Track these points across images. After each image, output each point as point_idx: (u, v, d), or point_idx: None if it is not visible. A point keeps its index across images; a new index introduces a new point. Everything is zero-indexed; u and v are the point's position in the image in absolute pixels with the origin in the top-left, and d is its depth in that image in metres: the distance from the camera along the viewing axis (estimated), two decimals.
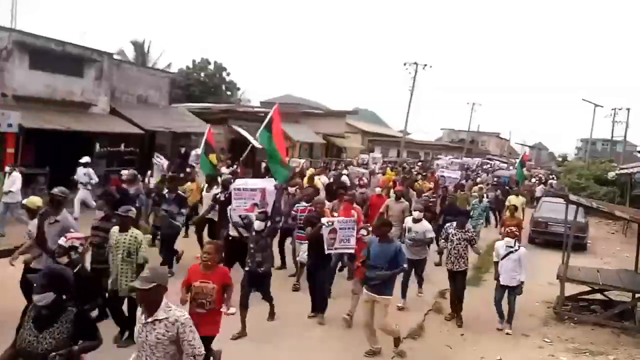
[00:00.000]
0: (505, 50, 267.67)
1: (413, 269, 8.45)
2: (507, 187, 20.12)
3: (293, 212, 9.08)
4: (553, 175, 38.87)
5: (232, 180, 9.56)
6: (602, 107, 41.07)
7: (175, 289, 5.01)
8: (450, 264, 8.04)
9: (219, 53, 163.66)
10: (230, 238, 8.45)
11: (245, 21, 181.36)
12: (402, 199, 10.80)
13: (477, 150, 58.10)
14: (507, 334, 7.72)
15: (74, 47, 16.53)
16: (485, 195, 14.91)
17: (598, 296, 9.44)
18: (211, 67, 41.94)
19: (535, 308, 9.28)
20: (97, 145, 15.92)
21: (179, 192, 9.77)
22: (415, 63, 38.39)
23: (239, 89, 45.52)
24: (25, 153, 13.94)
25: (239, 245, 7.87)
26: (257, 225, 6.95)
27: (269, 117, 9.09)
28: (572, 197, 9.82)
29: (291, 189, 10.74)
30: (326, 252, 7.38)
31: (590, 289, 9.30)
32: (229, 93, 42.93)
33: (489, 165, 38.52)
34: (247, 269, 6.97)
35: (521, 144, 65.87)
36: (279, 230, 9.12)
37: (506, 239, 8.00)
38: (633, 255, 10.38)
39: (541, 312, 9.06)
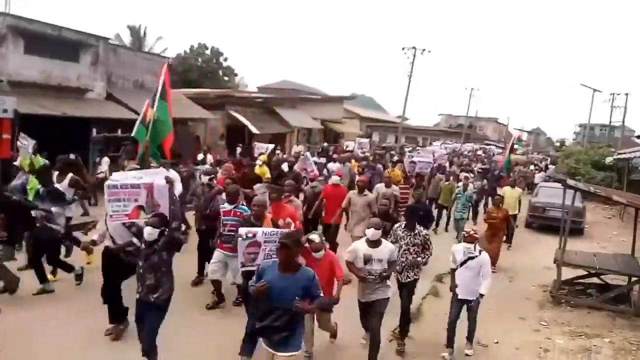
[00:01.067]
0: (504, 38, 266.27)
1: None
2: (498, 174, 19.34)
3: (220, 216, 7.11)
4: (547, 159, 38.68)
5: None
6: (601, 92, 41.10)
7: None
8: (397, 273, 6.45)
9: (216, 38, 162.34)
10: (106, 250, 6.10)
11: (242, 6, 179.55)
12: (366, 191, 9.27)
13: (475, 136, 58.06)
14: (467, 355, 6.48)
15: (70, 31, 16.36)
16: (472, 185, 13.76)
17: (594, 280, 9.52)
18: (208, 52, 41.65)
19: (532, 292, 9.39)
20: (94, 131, 15.84)
21: (55, 185, 7.61)
22: (414, 48, 38.13)
23: (236, 74, 45.40)
24: None
25: (116, 261, 5.87)
26: (148, 233, 4.97)
27: (161, 81, 7.64)
28: (570, 182, 9.85)
29: (205, 178, 8.55)
30: (241, 268, 5.75)
31: (586, 272, 9.38)
32: (226, 78, 42.68)
33: (482, 152, 37.75)
34: (136, 296, 5.13)
35: (519, 129, 65.73)
36: (200, 233, 7.86)
37: (463, 243, 6.51)
38: (629, 239, 10.44)
39: (538, 296, 9.16)
